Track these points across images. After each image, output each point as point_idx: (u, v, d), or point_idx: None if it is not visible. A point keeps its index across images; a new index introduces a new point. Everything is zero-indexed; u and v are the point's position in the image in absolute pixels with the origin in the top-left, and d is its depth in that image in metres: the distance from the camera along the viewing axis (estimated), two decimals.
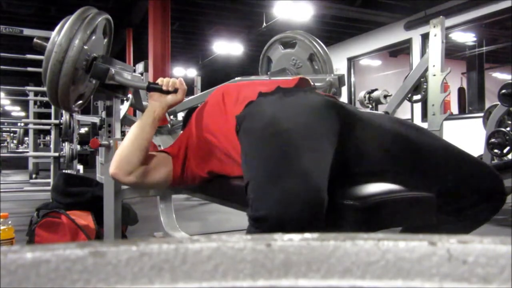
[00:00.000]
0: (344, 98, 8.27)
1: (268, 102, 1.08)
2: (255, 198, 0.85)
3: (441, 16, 2.30)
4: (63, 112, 3.64)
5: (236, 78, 1.91)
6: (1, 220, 1.74)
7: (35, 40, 1.35)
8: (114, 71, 1.30)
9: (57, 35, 1.23)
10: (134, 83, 1.40)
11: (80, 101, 1.49)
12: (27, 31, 3.56)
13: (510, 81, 3.07)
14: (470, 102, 7.26)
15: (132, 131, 1.25)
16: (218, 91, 1.31)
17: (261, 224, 0.80)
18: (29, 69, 3.91)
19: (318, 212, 0.80)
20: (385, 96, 4.20)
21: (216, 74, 10.82)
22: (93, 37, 1.33)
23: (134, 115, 3.58)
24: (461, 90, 7.87)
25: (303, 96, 1.10)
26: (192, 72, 11.12)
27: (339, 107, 1.06)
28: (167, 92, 1.30)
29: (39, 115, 5.79)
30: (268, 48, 2.10)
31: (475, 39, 7.50)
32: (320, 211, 0.80)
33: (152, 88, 1.30)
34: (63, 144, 3.81)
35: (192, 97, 2.04)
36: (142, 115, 1.31)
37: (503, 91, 3.05)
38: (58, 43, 1.21)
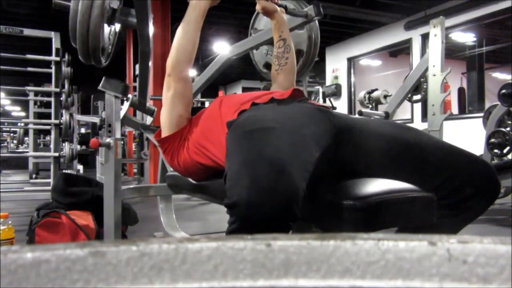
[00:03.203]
0: (344, 98, 8.28)
1: (258, 109, 1.13)
2: (229, 186, 0.85)
3: (441, 16, 2.30)
4: (63, 112, 3.64)
5: (224, 52, 1.90)
6: (1, 220, 1.74)
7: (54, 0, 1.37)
8: None
9: None
10: None
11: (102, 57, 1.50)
12: (27, 31, 3.57)
13: (510, 81, 3.07)
14: (470, 102, 7.26)
15: (177, 34, 1.34)
16: (217, 101, 1.33)
17: (234, 211, 0.80)
18: (29, 69, 3.91)
19: (290, 201, 0.79)
20: (385, 96, 4.21)
21: None
22: None
23: (134, 115, 3.59)
24: (461, 90, 7.87)
25: (295, 104, 1.15)
26: (192, 72, 11.13)
27: (330, 114, 1.10)
28: None
29: (39, 115, 5.80)
30: (254, 21, 2.09)
31: (475, 39, 7.50)
32: (292, 200, 0.79)
33: None
34: (63, 144, 3.81)
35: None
36: (188, 13, 1.36)
37: (503, 91, 3.05)
38: None
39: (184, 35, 1.34)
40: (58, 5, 1.37)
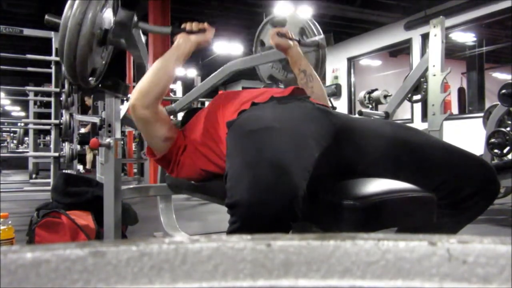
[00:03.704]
0: (344, 98, 8.28)
1: (258, 108, 1.13)
2: (230, 186, 0.85)
3: (441, 16, 2.30)
4: (63, 111, 3.64)
5: (230, 62, 1.91)
6: (1, 220, 1.74)
7: (46, 17, 1.35)
8: (137, 19, 1.34)
9: (70, 8, 1.24)
10: (158, 29, 1.44)
11: (93, 78, 1.50)
12: (27, 31, 3.57)
13: (510, 81, 3.07)
14: (470, 102, 7.26)
15: (154, 66, 1.28)
16: (219, 99, 1.32)
17: (235, 211, 0.81)
18: (29, 69, 3.91)
19: (291, 201, 0.79)
20: (385, 96, 4.20)
21: None
22: (104, 10, 1.34)
23: None
24: (461, 90, 7.87)
25: (295, 103, 1.15)
26: (192, 72, 11.13)
27: (330, 114, 1.10)
28: (192, 32, 1.32)
29: (39, 115, 5.79)
30: (260, 32, 2.09)
31: (475, 39, 7.50)
32: (293, 199, 0.79)
33: (177, 32, 1.33)
34: (63, 144, 3.81)
35: (190, 92, 2.04)
36: (171, 50, 1.32)
37: (503, 91, 3.04)
38: (76, 7, 1.22)
39: (161, 71, 1.27)
40: (50, 22, 1.35)
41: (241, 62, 1.94)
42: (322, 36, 1.71)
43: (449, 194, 1.03)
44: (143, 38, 1.53)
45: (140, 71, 1.63)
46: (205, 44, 1.38)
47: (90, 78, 1.46)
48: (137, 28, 1.36)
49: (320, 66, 1.92)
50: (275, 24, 2.00)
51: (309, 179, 0.85)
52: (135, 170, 6.41)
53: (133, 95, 1.25)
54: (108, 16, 1.39)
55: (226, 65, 1.93)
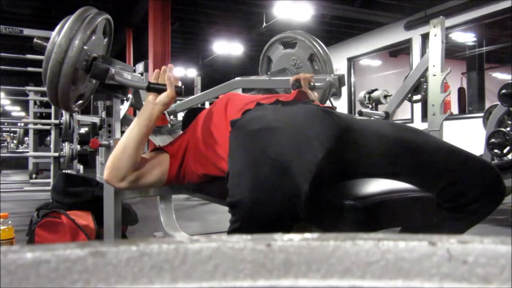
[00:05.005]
0: (344, 98, 8.28)
1: (263, 109, 1.13)
2: (231, 185, 0.85)
3: (441, 16, 2.30)
4: (63, 112, 3.64)
5: (237, 79, 1.91)
6: (1, 220, 1.74)
7: (35, 40, 1.35)
8: (114, 71, 1.30)
9: (57, 35, 1.23)
10: (134, 83, 1.39)
11: (80, 101, 1.49)
12: (27, 31, 3.56)
13: (510, 81, 3.07)
14: (470, 102, 7.27)
15: (125, 138, 1.21)
16: (223, 100, 1.32)
17: (236, 210, 0.81)
18: (29, 69, 3.91)
19: (293, 201, 0.79)
20: (385, 96, 4.19)
21: (216, 74, 10.83)
22: (93, 37, 1.33)
23: (134, 115, 3.58)
24: (461, 90, 7.87)
25: (300, 105, 1.15)
26: (192, 72, 11.12)
27: (334, 116, 1.10)
28: (160, 91, 1.27)
29: (39, 115, 5.79)
30: (268, 48, 2.10)
31: (475, 39, 7.50)
32: (295, 200, 0.79)
33: (152, 88, 1.27)
34: (63, 144, 3.81)
35: (192, 97, 2.04)
36: (138, 118, 1.25)
37: (503, 91, 3.05)
38: (58, 44, 1.20)
39: (131, 144, 1.19)
40: (38, 45, 1.35)
41: (249, 81, 1.95)
42: (335, 77, 1.72)
43: (455, 197, 1.02)
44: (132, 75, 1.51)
45: (135, 95, 1.63)
46: (171, 101, 1.31)
47: (79, 102, 1.45)
48: (113, 80, 1.31)
49: (327, 96, 1.96)
50: (284, 44, 2.06)
51: (312, 180, 0.85)
52: None
53: (106, 170, 1.19)
54: (97, 42, 1.37)
55: (234, 80, 1.95)
